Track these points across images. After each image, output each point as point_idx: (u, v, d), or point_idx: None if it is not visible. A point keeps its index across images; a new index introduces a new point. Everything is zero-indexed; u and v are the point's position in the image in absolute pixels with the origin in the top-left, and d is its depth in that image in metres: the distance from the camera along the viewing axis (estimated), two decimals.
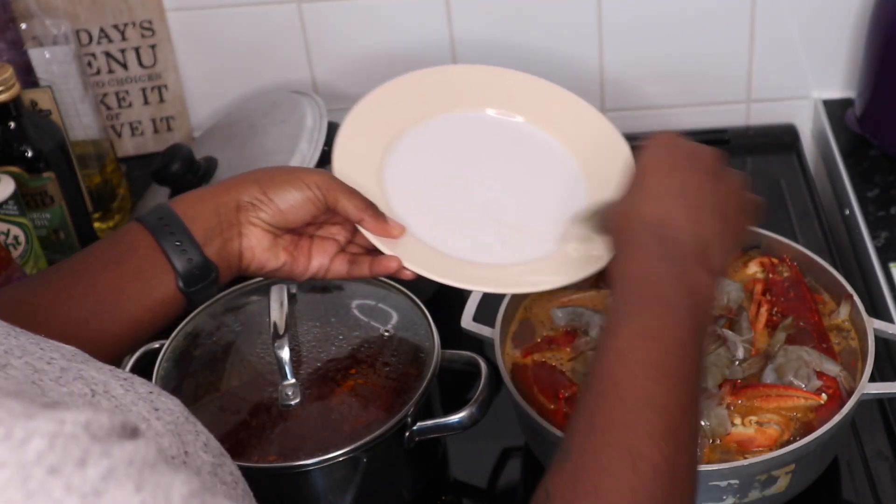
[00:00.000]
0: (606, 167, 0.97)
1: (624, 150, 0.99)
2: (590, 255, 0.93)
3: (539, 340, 1.03)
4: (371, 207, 0.91)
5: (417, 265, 0.91)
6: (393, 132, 1.00)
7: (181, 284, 0.86)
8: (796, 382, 0.94)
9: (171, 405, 0.61)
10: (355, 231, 0.93)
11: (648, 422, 0.68)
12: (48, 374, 0.57)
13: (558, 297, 1.07)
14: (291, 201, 0.89)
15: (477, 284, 0.94)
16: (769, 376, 0.96)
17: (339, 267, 0.93)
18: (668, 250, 0.77)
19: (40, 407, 0.46)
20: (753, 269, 1.07)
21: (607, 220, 0.84)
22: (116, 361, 0.64)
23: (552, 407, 0.96)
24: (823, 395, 0.94)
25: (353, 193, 0.91)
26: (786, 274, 1.06)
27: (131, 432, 0.48)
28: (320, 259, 0.93)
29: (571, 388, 0.97)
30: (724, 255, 0.80)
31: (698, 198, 0.80)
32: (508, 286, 0.95)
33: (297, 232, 0.93)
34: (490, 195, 0.99)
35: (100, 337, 0.82)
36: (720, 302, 1.00)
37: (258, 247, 0.90)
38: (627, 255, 0.79)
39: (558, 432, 0.91)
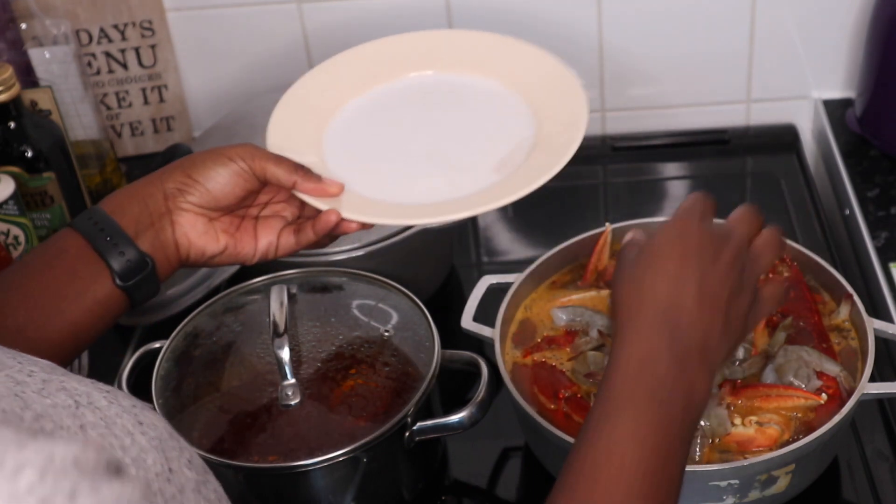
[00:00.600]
0: (541, 86, 0.99)
1: (552, 63, 1.00)
2: (532, 172, 0.92)
3: (539, 340, 1.03)
4: (302, 169, 0.90)
5: (359, 213, 0.90)
6: (325, 110, 1.01)
7: (118, 281, 0.85)
8: (796, 382, 0.94)
9: (155, 420, 0.61)
10: (303, 206, 0.92)
11: None
12: (30, 387, 0.56)
13: (558, 298, 1.07)
14: (218, 179, 0.88)
15: (420, 218, 0.93)
16: (769, 376, 0.96)
17: (287, 241, 0.92)
18: (675, 341, 0.75)
19: (29, 436, 0.46)
20: None
21: (615, 287, 0.80)
22: (64, 367, 0.64)
23: (552, 407, 0.96)
24: (823, 395, 0.94)
25: (280, 159, 0.90)
26: (786, 274, 1.05)
27: (116, 471, 0.48)
28: (267, 237, 0.91)
29: (571, 388, 0.97)
30: (723, 357, 0.78)
31: (713, 294, 0.77)
32: (451, 214, 0.92)
33: (239, 214, 0.91)
34: (431, 145, 0.99)
35: (40, 344, 0.81)
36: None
37: (193, 232, 0.88)
38: (634, 334, 0.76)
39: (558, 432, 0.91)
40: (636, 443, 0.71)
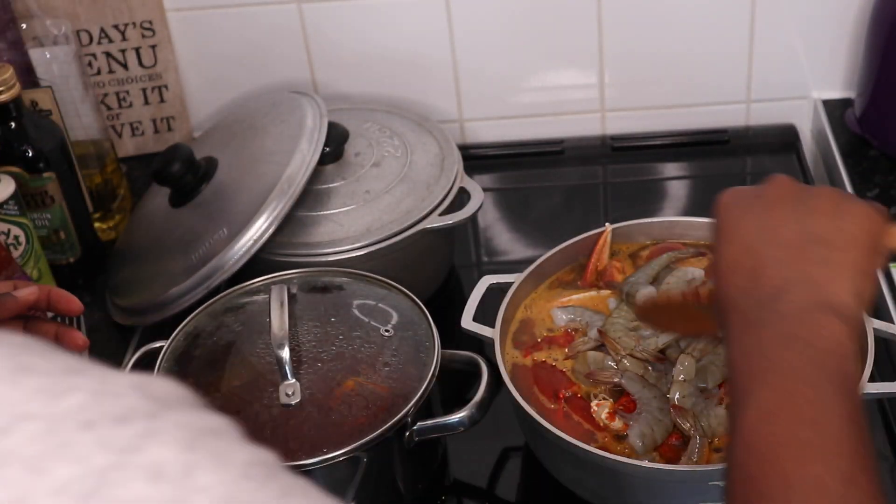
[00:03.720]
0: None
1: None
2: None
3: (539, 340, 1.03)
4: None
5: None
6: None
7: None
8: None
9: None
10: None
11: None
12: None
13: (558, 298, 1.07)
14: None
15: None
16: None
17: None
18: (765, 312, 0.66)
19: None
20: None
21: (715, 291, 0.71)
22: None
23: (552, 406, 0.96)
24: None
25: None
26: None
27: (201, 405, 0.46)
28: None
29: (571, 387, 0.97)
30: (847, 283, 0.66)
31: (779, 235, 0.68)
32: None
33: None
34: None
35: None
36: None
37: None
38: (731, 329, 0.67)
39: (558, 432, 0.91)
40: (769, 420, 0.61)
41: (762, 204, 0.72)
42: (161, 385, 0.44)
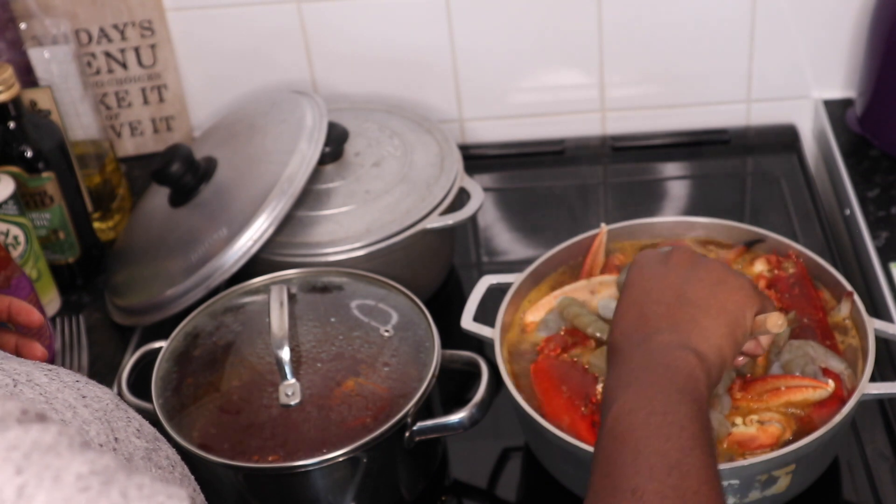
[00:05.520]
0: None
1: None
2: None
3: (562, 333, 1.02)
4: None
5: None
6: None
7: None
8: None
9: (100, 393, 0.60)
10: None
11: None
12: None
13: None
14: None
15: None
16: (776, 372, 0.96)
17: None
18: (635, 349, 0.78)
19: None
20: (760, 266, 1.07)
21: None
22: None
23: (583, 410, 0.94)
24: (830, 382, 0.93)
25: None
26: (791, 270, 1.05)
27: (36, 418, 0.47)
28: None
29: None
30: (709, 341, 0.78)
31: (662, 295, 0.82)
32: None
33: None
34: None
35: None
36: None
37: None
38: (609, 364, 0.80)
39: (558, 432, 0.90)
40: (630, 414, 0.73)
41: (662, 268, 0.85)
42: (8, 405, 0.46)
